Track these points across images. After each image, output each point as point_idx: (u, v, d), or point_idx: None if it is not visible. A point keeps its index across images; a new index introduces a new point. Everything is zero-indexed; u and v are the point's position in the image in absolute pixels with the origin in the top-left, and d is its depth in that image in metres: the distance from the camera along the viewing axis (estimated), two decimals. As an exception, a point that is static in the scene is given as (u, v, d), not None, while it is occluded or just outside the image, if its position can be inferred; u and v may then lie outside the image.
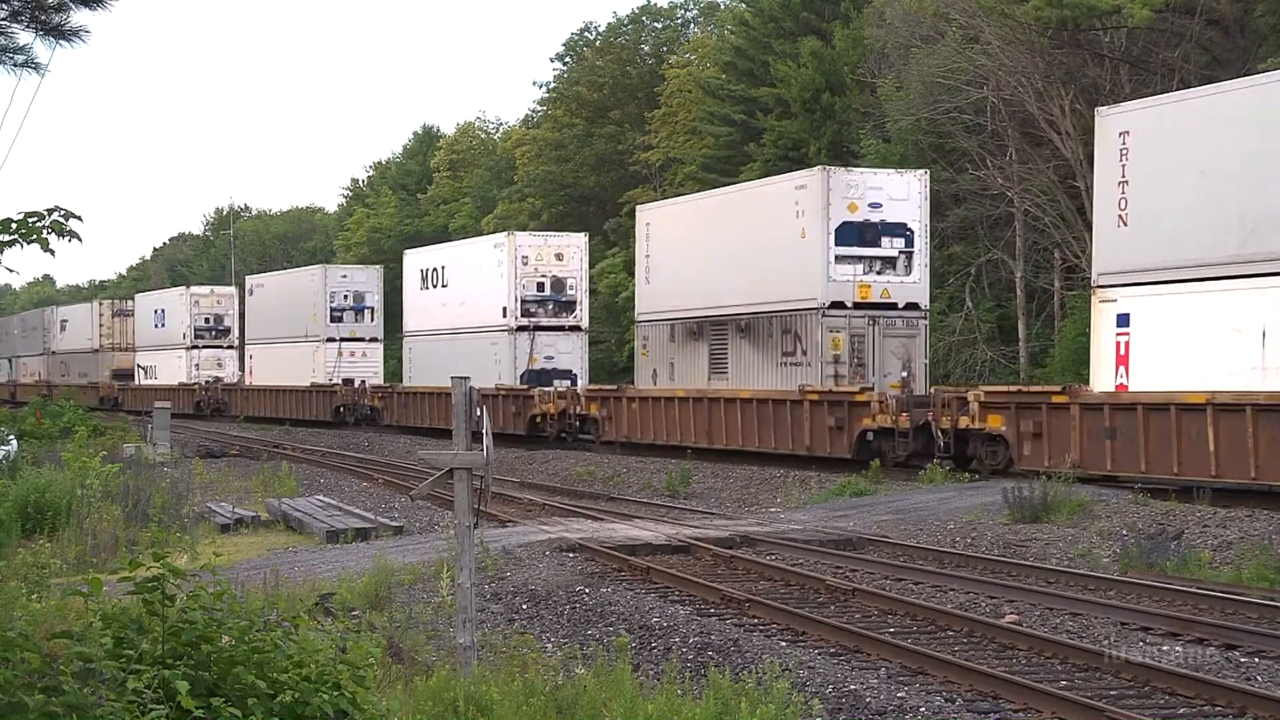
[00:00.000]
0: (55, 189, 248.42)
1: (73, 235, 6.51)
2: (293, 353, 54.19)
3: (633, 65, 67.45)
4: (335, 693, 6.25)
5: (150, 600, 6.17)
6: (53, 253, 6.54)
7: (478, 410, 9.57)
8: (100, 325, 72.71)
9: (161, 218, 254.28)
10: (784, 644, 12.46)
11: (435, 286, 45.38)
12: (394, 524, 21.10)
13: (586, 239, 42.69)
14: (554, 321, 41.10)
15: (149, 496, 20.74)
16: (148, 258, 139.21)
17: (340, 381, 50.20)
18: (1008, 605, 14.29)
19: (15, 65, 8.80)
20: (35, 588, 12.56)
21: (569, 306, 41.34)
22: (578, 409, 36.31)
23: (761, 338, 30.86)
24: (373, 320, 52.98)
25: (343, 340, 52.19)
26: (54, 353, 79.07)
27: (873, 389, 27.54)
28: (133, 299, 75.47)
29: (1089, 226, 38.85)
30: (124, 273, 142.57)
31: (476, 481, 9.62)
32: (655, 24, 70.04)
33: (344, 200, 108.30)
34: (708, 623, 13.40)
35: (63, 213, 6.52)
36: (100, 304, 75.69)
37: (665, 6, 70.09)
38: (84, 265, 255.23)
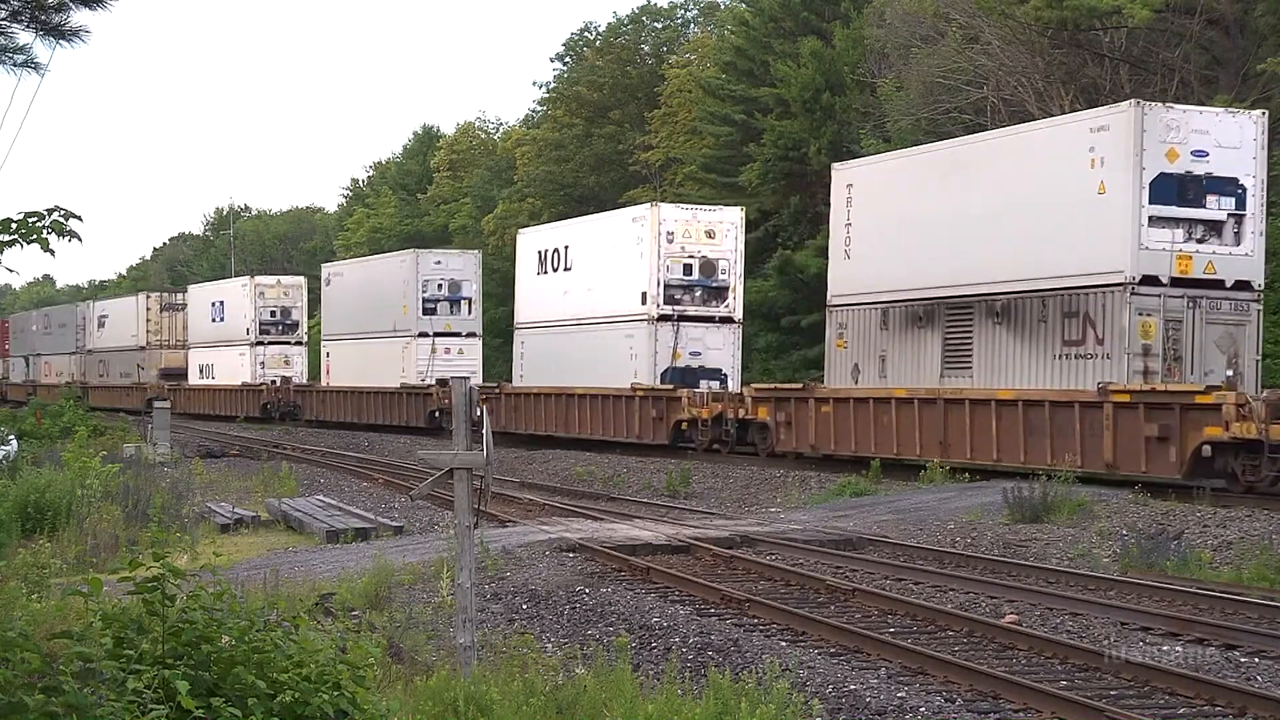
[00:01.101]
0: (55, 189, 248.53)
1: (73, 235, 6.51)
2: (378, 350, 48.05)
3: (633, 65, 67.46)
4: (335, 693, 6.25)
5: (150, 600, 6.17)
6: (53, 253, 6.54)
7: (478, 410, 9.57)
8: (147, 320, 66.78)
9: (161, 218, 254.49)
10: (784, 644, 12.46)
11: (555, 270, 38.78)
12: (394, 524, 21.09)
13: (743, 215, 35.91)
14: (702, 311, 34.78)
15: (149, 496, 20.73)
16: (148, 258, 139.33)
17: (434, 382, 43.36)
18: (1008, 605, 14.29)
19: (15, 65, 8.80)
20: (35, 588, 12.56)
21: (720, 294, 34.98)
22: (739, 412, 30.75)
23: (1028, 323, 24.70)
24: (470, 313, 46.79)
25: (437, 335, 45.95)
26: (90, 351, 73.52)
27: (1226, 388, 21.01)
28: (183, 291, 69.85)
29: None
30: (124, 273, 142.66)
31: (476, 481, 9.62)
32: (655, 24, 70.06)
33: (344, 200, 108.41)
34: (708, 623, 13.40)
35: (63, 213, 6.52)
36: (147, 297, 69.08)
37: (665, 6, 70.13)
38: (84, 265, 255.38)
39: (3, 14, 8.41)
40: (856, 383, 28.22)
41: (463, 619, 9.51)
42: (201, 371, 61.84)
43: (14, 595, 10.73)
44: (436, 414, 42.37)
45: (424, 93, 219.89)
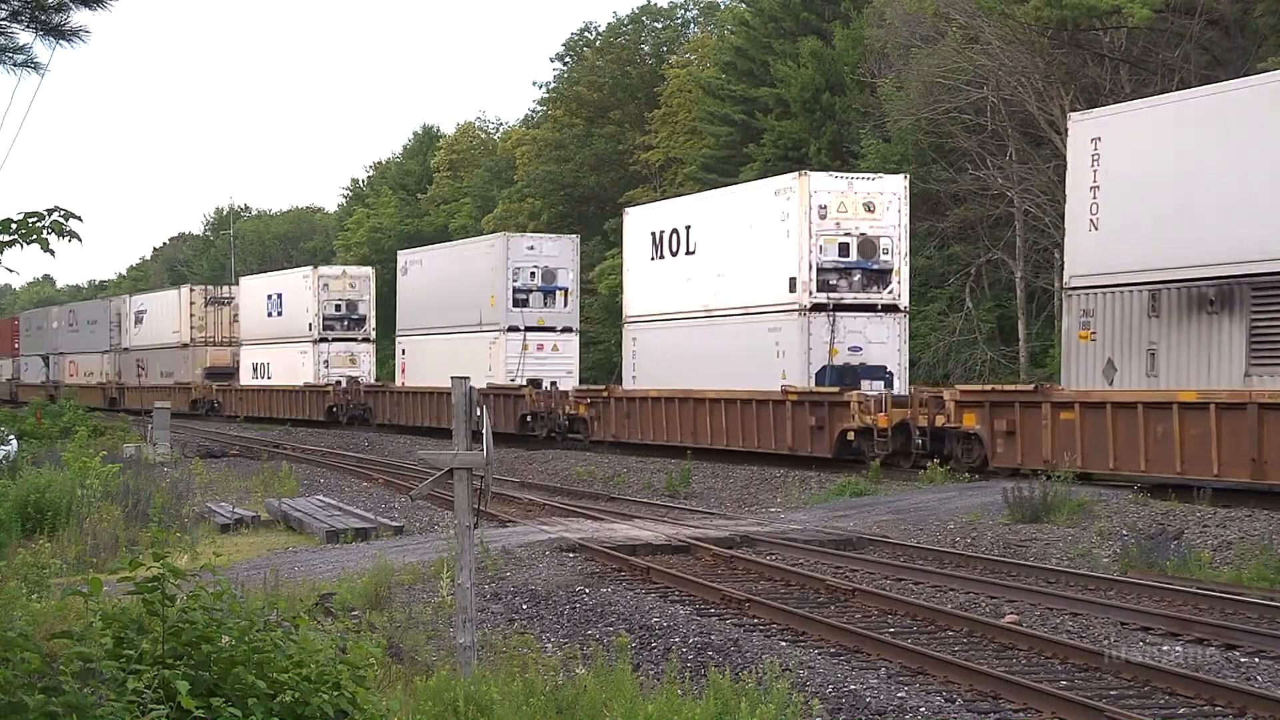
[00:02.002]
0: (55, 189, 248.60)
1: (73, 235, 6.52)
2: (462, 347, 42.42)
3: (633, 65, 67.45)
4: (335, 693, 6.26)
5: (150, 600, 6.17)
6: (53, 253, 6.54)
7: (478, 410, 9.57)
8: (190, 315, 61.20)
9: (161, 218, 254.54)
10: (784, 644, 12.46)
11: (674, 254, 33.36)
12: (394, 524, 21.10)
13: (906, 185, 30.20)
14: (862, 298, 29.66)
15: (149, 496, 20.73)
16: (148, 258, 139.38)
17: (525, 383, 39.32)
18: (1008, 605, 14.29)
19: (15, 65, 8.80)
20: (35, 588, 12.56)
21: (881, 278, 29.72)
22: (936, 420, 25.79)
23: None
24: (566, 305, 41.20)
25: (529, 330, 40.59)
26: (126, 349, 67.71)
27: None
28: (232, 284, 64.53)
29: (1089, 226, 38.89)
30: (124, 273, 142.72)
31: (476, 481, 9.62)
32: (655, 24, 70.04)
33: (344, 200, 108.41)
34: (708, 623, 13.40)
35: (63, 213, 6.53)
36: (190, 290, 63.35)
37: (665, 6, 70.12)
38: (84, 265, 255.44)
39: (3, 14, 8.41)
40: (1111, 383, 22.75)
41: (463, 619, 9.51)
42: (256, 371, 56.29)
43: (14, 595, 10.73)
44: (529, 418, 38.02)
45: (424, 93, 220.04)
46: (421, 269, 46.74)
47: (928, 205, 42.71)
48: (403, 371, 47.06)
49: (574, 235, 44.00)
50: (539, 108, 76.64)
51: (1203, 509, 19.10)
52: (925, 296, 43.13)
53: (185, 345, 61.30)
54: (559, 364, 40.87)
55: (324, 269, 54.19)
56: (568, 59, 72.08)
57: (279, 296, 54.41)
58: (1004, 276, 43.14)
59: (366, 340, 52.34)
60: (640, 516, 22.19)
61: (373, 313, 52.64)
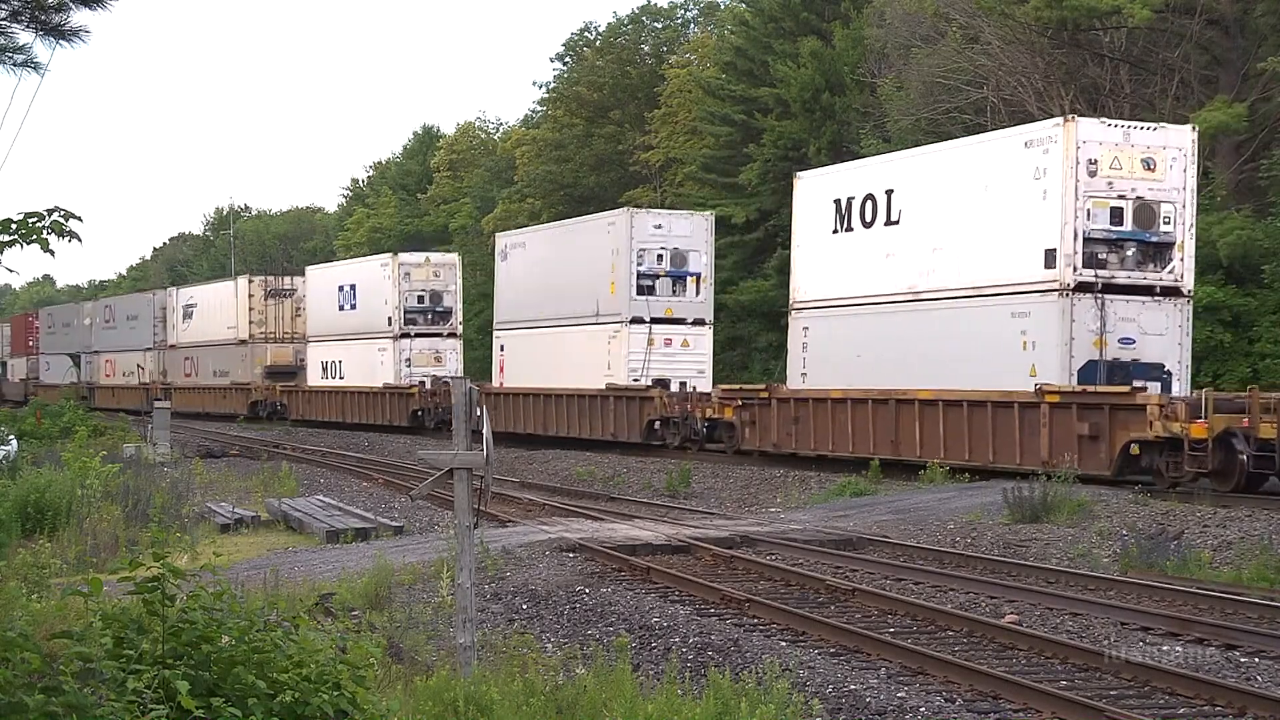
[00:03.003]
0: (55, 189, 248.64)
1: (73, 235, 6.52)
2: (575, 342, 36.97)
3: (633, 65, 67.45)
4: (335, 693, 6.25)
5: (150, 600, 6.17)
6: (52, 253, 6.54)
7: (478, 410, 9.57)
8: (249, 309, 55.54)
9: (161, 218, 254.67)
10: (784, 644, 12.46)
11: (868, 224, 27.51)
12: (394, 524, 21.10)
13: (1194, 138, 24.70)
14: (1137, 278, 24.11)
15: (149, 496, 20.75)
16: (148, 258, 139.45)
17: (650, 383, 34.10)
18: (1008, 605, 14.29)
19: (15, 65, 8.81)
20: (35, 588, 12.56)
21: (1161, 254, 24.33)
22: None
23: None
24: (699, 294, 35.63)
25: (655, 322, 35.01)
26: (173, 346, 62.42)
27: None
28: (295, 275, 58.42)
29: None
30: (124, 273, 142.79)
31: (476, 481, 9.62)
32: (655, 24, 70.05)
33: (344, 200, 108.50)
34: (708, 623, 13.40)
35: (63, 213, 6.53)
36: (250, 281, 57.14)
37: (665, 6, 70.13)
38: (84, 265, 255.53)
39: (3, 14, 8.41)
40: None
41: (463, 619, 9.51)
42: (325, 370, 50.52)
43: (14, 595, 10.73)
44: (657, 424, 32.95)
45: (424, 93, 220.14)
46: (524, 253, 40.42)
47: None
48: (501, 371, 41.07)
49: (708, 212, 37.70)
50: (539, 108, 76.70)
51: (1203, 509, 19.10)
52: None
53: (243, 342, 55.57)
54: (690, 362, 35.36)
55: (405, 255, 47.53)
56: (568, 59, 72.10)
57: (352, 288, 48.82)
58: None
59: (453, 335, 46.47)
60: (640, 516, 22.19)
61: (460, 304, 47.02)
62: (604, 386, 34.87)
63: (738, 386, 32.36)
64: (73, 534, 18.02)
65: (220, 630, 6.23)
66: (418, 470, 29.83)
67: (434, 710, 8.15)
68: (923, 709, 10.18)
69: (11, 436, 29.35)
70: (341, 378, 49.29)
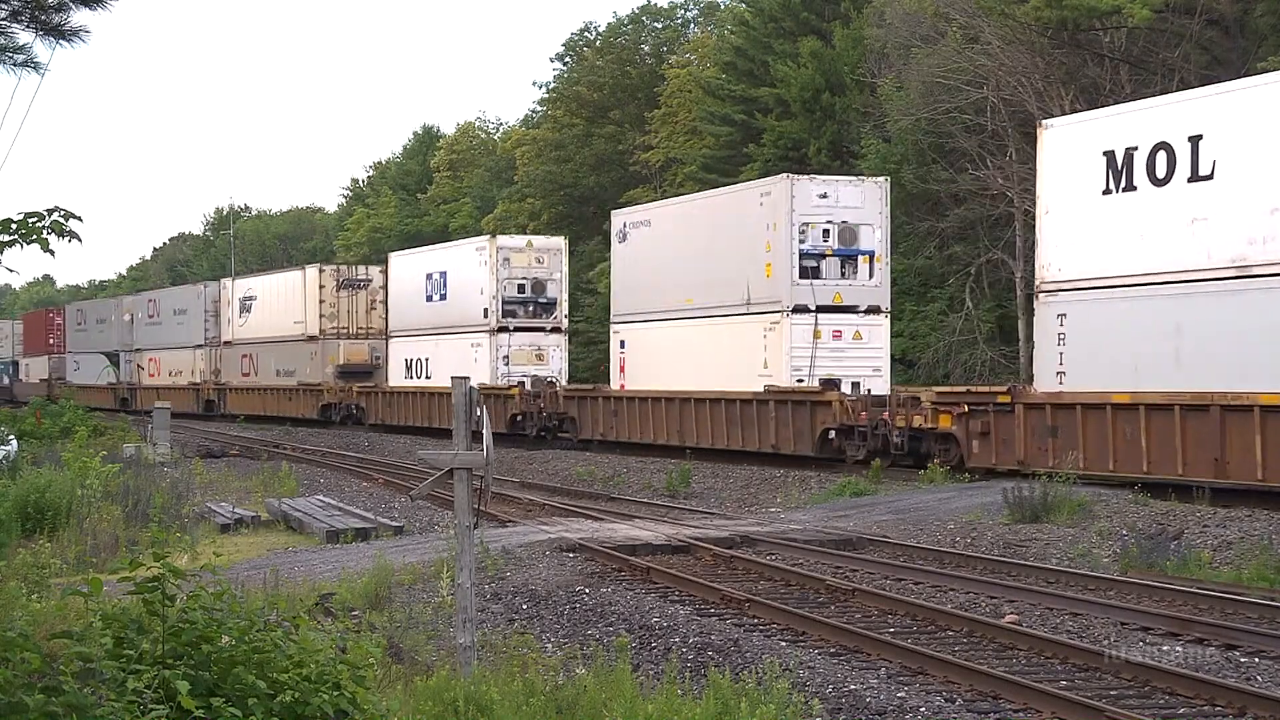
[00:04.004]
0: (55, 189, 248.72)
1: (73, 235, 6.52)
2: (717, 335, 31.31)
3: (633, 65, 67.48)
4: (335, 693, 6.26)
5: (150, 600, 6.17)
6: (53, 253, 6.55)
7: (478, 410, 9.57)
8: (320, 301, 49.92)
9: (161, 218, 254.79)
10: (784, 644, 12.46)
11: (1161, 181, 21.70)
12: (394, 524, 21.10)
13: None
14: None
15: (149, 496, 20.74)
16: (148, 258, 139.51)
17: (818, 383, 28.57)
18: (1008, 605, 14.29)
19: (15, 65, 8.81)
20: (35, 588, 12.56)
21: None
22: None
23: None
24: (872, 277, 29.68)
25: (821, 311, 29.13)
26: (229, 343, 56.90)
27: None
28: (372, 265, 53.79)
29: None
30: (124, 273, 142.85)
31: (476, 481, 9.62)
32: (655, 24, 70.09)
33: (344, 200, 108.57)
34: (708, 623, 13.40)
35: (63, 213, 6.53)
36: (320, 271, 51.20)
37: (665, 6, 70.17)
38: (84, 265, 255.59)
39: (3, 14, 8.41)
40: None
41: (463, 619, 9.51)
42: (410, 369, 44.86)
43: (14, 595, 10.73)
44: (832, 433, 27.50)
45: (424, 93, 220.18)
46: (649, 233, 34.45)
47: (928, 205, 42.75)
48: (621, 370, 35.12)
49: (881, 178, 31.24)
50: (539, 108, 76.72)
51: (1203, 509, 19.09)
52: (925, 296, 43.17)
53: (312, 338, 50.05)
54: (864, 357, 29.60)
55: (504, 239, 41.70)
56: (568, 59, 72.13)
57: (442, 276, 43.16)
58: (1004, 276, 43.15)
59: (557, 330, 40.81)
60: (640, 516, 22.18)
61: (565, 294, 41.38)
62: (762, 389, 29.06)
63: (964, 389, 26.63)
64: (73, 534, 18.02)
65: (220, 630, 6.24)
66: (417, 470, 29.82)
67: (434, 710, 8.15)
68: (923, 709, 10.18)
69: (11, 436, 29.34)
70: (428, 377, 43.25)
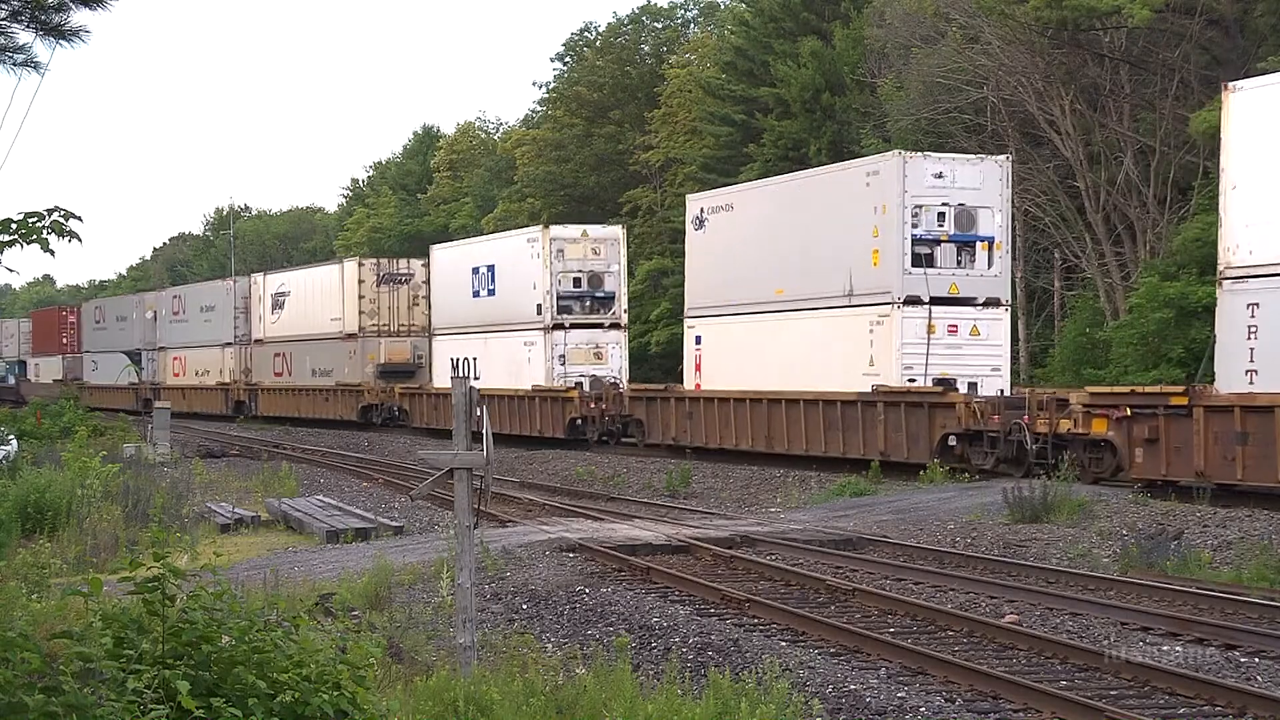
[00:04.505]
0: (55, 189, 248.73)
1: (73, 235, 6.52)
2: (812, 330, 28.28)
3: (633, 65, 67.44)
4: (335, 693, 6.26)
5: (150, 600, 6.17)
6: (53, 253, 6.55)
7: (478, 410, 9.58)
8: (359, 297, 47.42)
9: (161, 218, 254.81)
10: (784, 644, 12.46)
11: None
12: (394, 524, 21.10)
13: None
14: None
15: (149, 496, 20.75)
16: (148, 258, 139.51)
17: (933, 384, 25.88)
18: (1008, 605, 14.29)
19: (15, 65, 8.81)
20: (35, 588, 12.57)
21: None
22: None
23: None
24: (991, 265, 26.80)
25: (936, 303, 26.30)
26: (260, 341, 54.17)
27: None
28: (414, 259, 49.90)
29: (1089, 226, 38.93)
30: (124, 273, 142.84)
31: (476, 481, 9.62)
32: (655, 24, 70.05)
33: (344, 200, 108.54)
34: (708, 623, 13.40)
35: (63, 213, 6.53)
36: (359, 265, 48.43)
37: (665, 6, 70.14)
38: (84, 265, 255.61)
39: (3, 14, 8.41)
40: None
41: (463, 619, 9.51)
42: (457, 369, 41.39)
43: (14, 595, 10.73)
44: (953, 440, 24.78)
45: (424, 93, 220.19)
46: (731, 219, 31.32)
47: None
48: (697, 369, 32.29)
49: (1001, 157, 28.69)
50: (539, 108, 76.69)
51: (1203, 509, 19.09)
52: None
53: (350, 336, 47.34)
54: (982, 355, 26.71)
55: (557, 229, 38.43)
56: (568, 59, 72.10)
57: (490, 269, 40.23)
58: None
59: (616, 326, 37.86)
60: (640, 516, 22.18)
61: (624, 288, 38.36)
62: (870, 389, 26.27)
63: (1127, 389, 23.25)
64: (73, 534, 18.02)
65: (220, 630, 6.24)
66: (417, 470, 29.83)
67: (434, 710, 8.16)
68: (923, 709, 10.18)
69: (11, 436, 29.34)
70: (477, 378, 38.30)
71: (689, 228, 33.05)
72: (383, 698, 7.32)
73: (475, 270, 41.09)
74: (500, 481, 26.65)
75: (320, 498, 25.42)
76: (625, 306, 38.31)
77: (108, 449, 29.60)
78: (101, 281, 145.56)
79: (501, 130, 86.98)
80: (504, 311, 39.13)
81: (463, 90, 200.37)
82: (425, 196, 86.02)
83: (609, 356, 37.52)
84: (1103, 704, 9.86)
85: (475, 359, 40.55)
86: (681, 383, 33.85)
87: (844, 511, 22.13)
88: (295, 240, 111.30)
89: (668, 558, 17.54)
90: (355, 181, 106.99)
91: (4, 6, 8.36)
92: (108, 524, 18.75)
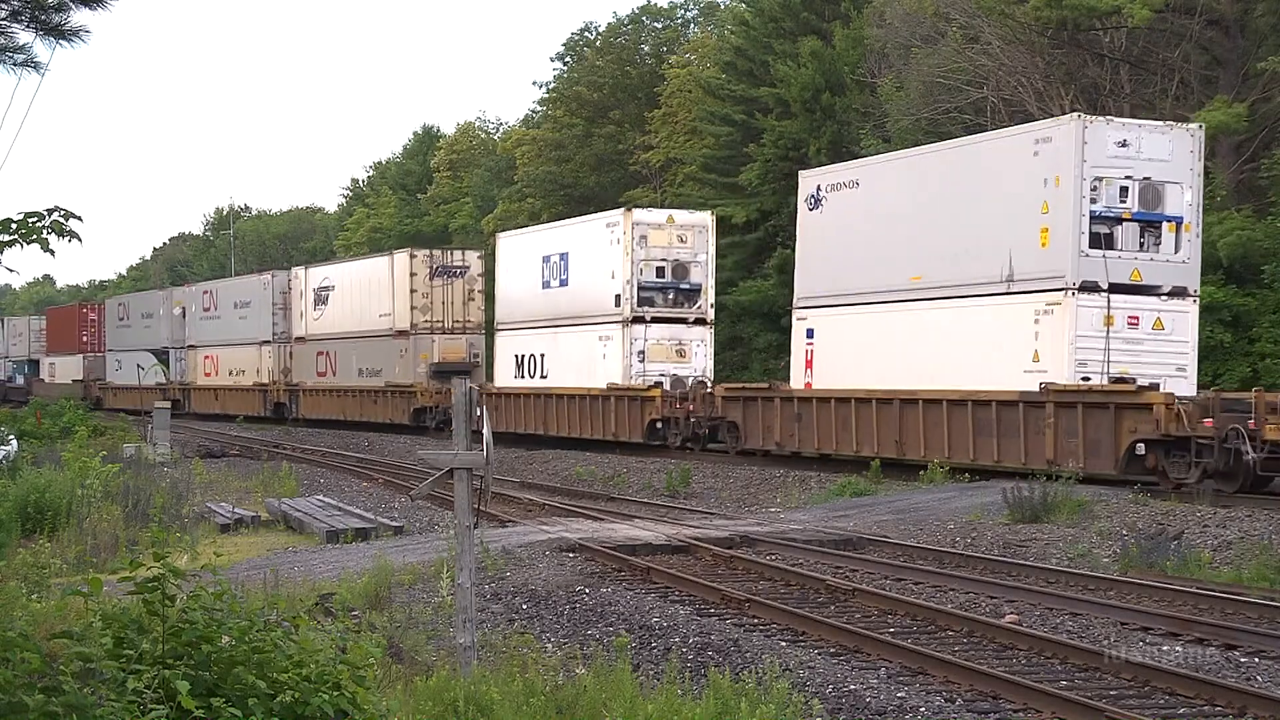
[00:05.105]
0: (55, 189, 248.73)
1: (73, 235, 6.52)
2: (963, 322, 24.80)
3: (633, 65, 67.43)
4: (335, 693, 6.25)
5: (150, 600, 6.17)
6: (53, 253, 6.55)
7: (478, 410, 9.57)
8: (410, 291, 44.31)
9: (161, 218, 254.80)
10: (784, 644, 12.46)
11: None
12: (394, 524, 21.10)
13: None
14: None
15: (149, 496, 20.75)
16: (148, 258, 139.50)
17: (1108, 381, 22.57)
18: (1008, 605, 14.29)
19: (15, 65, 8.82)
20: (35, 588, 12.56)
21: None
22: None
23: None
24: (1179, 250, 23.60)
25: (1115, 291, 23.04)
26: (301, 338, 50.97)
27: None
28: (469, 250, 47.53)
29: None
30: (124, 273, 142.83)
31: (476, 481, 9.62)
32: (655, 24, 70.04)
33: (344, 200, 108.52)
34: (708, 623, 13.40)
35: (63, 213, 6.53)
36: (411, 257, 45.10)
37: (665, 6, 70.12)
38: (84, 265, 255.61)
39: (3, 14, 8.42)
40: None
41: (463, 619, 9.51)
42: (521, 367, 38.56)
43: (14, 595, 10.72)
44: (1141, 448, 21.50)
45: (424, 93, 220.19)
46: (858, 196, 27.71)
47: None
48: (808, 365, 28.66)
49: (1194, 125, 24.75)
50: (539, 108, 76.66)
51: (1203, 509, 19.09)
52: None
53: (402, 333, 44.40)
54: (1166, 352, 23.44)
55: (640, 213, 35.00)
56: (568, 59, 72.08)
57: (562, 258, 36.80)
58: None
59: (701, 321, 34.74)
60: (640, 516, 22.18)
61: (711, 280, 35.10)
62: (1039, 387, 22.94)
63: None
64: (73, 534, 18.02)
65: (220, 630, 6.24)
66: (417, 470, 29.82)
67: (434, 710, 8.15)
68: (923, 709, 10.18)
69: (11, 436, 29.35)
70: (544, 376, 37.27)
71: (801, 208, 29.54)
72: (383, 698, 7.31)
73: (546, 259, 37.63)
74: (500, 481, 26.64)
75: (320, 498, 25.41)
76: (712, 301, 35.18)
77: (108, 449, 29.60)
78: (102, 281, 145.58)
79: (501, 130, 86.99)
80: (578, 303, 35.82)
81: (463, 90, 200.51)
82: (425, 196, 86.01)
83: (692, 355, 34.45)
84: (1103, 704, 9.86)
85: (543, 355, 37.58)
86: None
87: (844, 511, 22.13)
88: (295, 240, 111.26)
89: (668, 558, 17.54)
90: (355, 181, 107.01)
91: (4, 6, 8.37)
92: (108, 524, 18.75)
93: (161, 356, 61.81)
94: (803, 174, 30.29)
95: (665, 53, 67.95)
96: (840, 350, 27.76)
